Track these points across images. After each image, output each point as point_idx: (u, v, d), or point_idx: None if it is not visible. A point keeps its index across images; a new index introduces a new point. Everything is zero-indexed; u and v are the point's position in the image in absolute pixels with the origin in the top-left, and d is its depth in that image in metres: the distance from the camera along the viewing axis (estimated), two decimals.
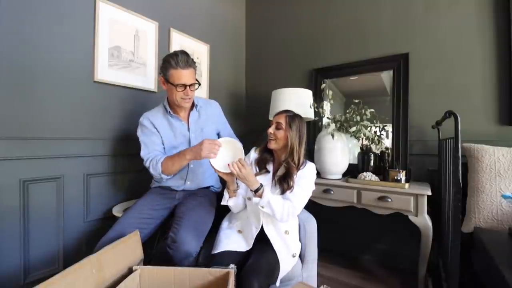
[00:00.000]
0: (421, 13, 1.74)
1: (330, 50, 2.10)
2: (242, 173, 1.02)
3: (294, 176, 1.11)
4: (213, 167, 1.10)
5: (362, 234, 1.96)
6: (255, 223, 1.12)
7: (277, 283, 1.03)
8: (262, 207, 1.03)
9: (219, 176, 1.14)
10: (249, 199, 1.15)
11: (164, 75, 1.21)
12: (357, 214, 1.73)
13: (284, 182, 1.10)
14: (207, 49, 2.17)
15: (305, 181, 1.11)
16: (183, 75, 1.18)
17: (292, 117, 1.17)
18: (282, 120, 1.16)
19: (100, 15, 1.47)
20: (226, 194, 1.17)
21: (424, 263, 1.40)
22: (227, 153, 1.13)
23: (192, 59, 1.22)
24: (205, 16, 2.16)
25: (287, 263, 1.08)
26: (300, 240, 1.22)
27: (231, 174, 1.09)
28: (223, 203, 1.17)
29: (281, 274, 1.05)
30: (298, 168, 1.13)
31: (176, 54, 1.18)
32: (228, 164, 1.04)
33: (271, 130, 1.17)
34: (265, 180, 1.16)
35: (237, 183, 1.17)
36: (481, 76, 1.56)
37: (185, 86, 1.19)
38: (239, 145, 1.15)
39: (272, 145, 1.17)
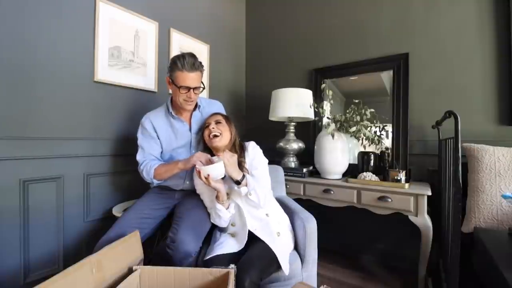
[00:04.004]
0: (421, 13, 1.74)
1: (330, 50, 2.10)
2: (233, 160, 1.07)
3: (245, 165, 1.16)
4: (202, 176, 1.04)
5: (362, 234, 1.96)
6: (241, 222, 1.14)
7: (286, 271, 1.02)
8: (250, 194, 1.07)
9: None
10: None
11: (170, 76, 1.22)
12: (357, 214, 1.73)
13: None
14: (207, 49, 2.17)
15: (256, 161, 1.18)
16: (187, 78, 1.17)
17: (226, 115, 1.26)
18: (219, 117, 1.22)
19: (100, 15, 1.47)
20: (220, 207, 1.09)
21: (424, 263, 1.40)
22: (213, 168, 1.06)
23: (200, 63, 1.22)
24: (205, 16, 2.17)
25: (277, 244, 1.05)
26: (298, 238, 1.22)
27: (219, 181, 1.08)
28: (226, 217, 1.11)
29: (280, 257, 1.02)
30: (242, 154, 1.19)
31: (183, 56, 1.17)
32: (219, 155, 1.06)
33: (212, 126, 1.17)
34: (224, 182, 1.14)
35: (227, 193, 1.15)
36: (481, 76, 1.56)
37: (188, 88, 1.19)
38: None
39: (217, 142, 1.15)
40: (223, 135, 1.17)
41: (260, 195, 1.08)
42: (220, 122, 1.19)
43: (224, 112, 1.49)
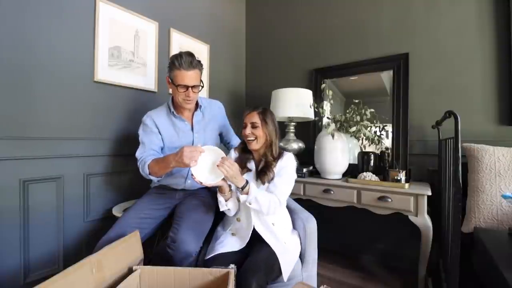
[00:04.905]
0: (421, 13, 1.74)
1: (330, 50, 2.10)
2: (233, 171, 1.02)
3: (274, 168, 1.13)
4: (198, 181, 1.04)
5: (362, 234, 1.96)
6: (247, 221, 1.13)
7: (285, 278, 1.03)
8: (250, 204, 1.05)
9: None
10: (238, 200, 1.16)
11: (169, 75, 1.22)
12: (357, 214, 1.73)
13: (263, 175, 1.12)
14: (207, 49, 2.17)
15: (284, 170, 1.14)
16: (185, 77, 1.17)
17: (263, 112, 1.18)
18: (256, 118, 1.16)
19: (100, 15, 1.47)
20: (221, 199, 1.13)
21: (424, 263, 1.40)
22: (210, 161, 1.08)
23: (198, 61, 1.22)
24: (205, 16, 2.17)
25: (282, 252, 1.06)
26: (299, 237, 1.22)
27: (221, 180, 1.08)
28: (222, 209, 1.14)
29: (284, 266, 1.04)
30: (276, 160, 1.16)
31: (180, 55, 1.17)
32: (218, 165, 1.02)
33: (248, 131, 1.16)
34: (249, 178, 1.16)
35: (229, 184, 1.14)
36: (481, 76, 1.56)
37: (187, 87, 1.18)
38: (221, 153, 1.08)
39: (254, 146, 1.16)
40: (258, 140, 1.16)
41: (262, 204, 1.04)
42: (256, 127, 1.15)
43: (223, 113, 1.49)
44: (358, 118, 1.65)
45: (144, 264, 1.01)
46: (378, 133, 1.81)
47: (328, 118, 1.81)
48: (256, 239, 1.10)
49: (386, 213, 1.47)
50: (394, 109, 1.79)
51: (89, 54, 1.44)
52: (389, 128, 1.81)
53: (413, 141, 1.74)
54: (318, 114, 1.86)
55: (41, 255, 1.29)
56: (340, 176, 1.74)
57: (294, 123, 1.97)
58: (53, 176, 1.32)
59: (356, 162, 1.79)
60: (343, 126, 1.68)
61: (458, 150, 1.00)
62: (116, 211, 1.40)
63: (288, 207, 1.33)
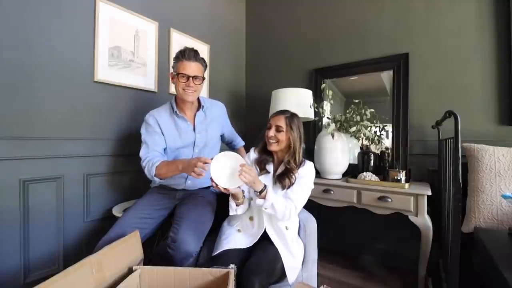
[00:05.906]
0: (421, 13, 1.74)
1: (330, 50, 2.10)
2: (252, 176, 1.00)
3: (296, 174, 1.12)
4: (220, 187, 1.02)
5: (362, 234, 1.96)
6: (258, 222, 1.13)
7: (290, 282, 1.03)
8: (266, 209, 1.04)
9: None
10: (251, 199, 1.16)
11: (173, 69, 1.26)
12: (357, 214, 1.73)
13: (284, 179, 1.11)
14: (207, 49, 2.17)
15: (304, 180, 1.13)
16: (187, 66, 1.21)
17: (291, 117, 1.17)
18: (282, 122, 1.15)
19: (100, 15, 1.47)
20: (233, 203, 1.13)
21: (424, 263, 1.40)
22: (228, 167, 1.05)
23: (202, 58, 1.27)
24: (205, 16, 2.17)
25: (288, 257, 1.07)
26: (300, 238, 1.22)
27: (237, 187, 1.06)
28: (232, 213, 1.14)
29: (290, 272, 1.04)
30: (298, 167, 1.14)
31: (185, 49, 1.23)
32: (239, 175, 0.99)
33: (271, 133, 1.15)
34: (266, 180, 1.16)
35: (242, 190, 1.13)
36: (481, 76, 1.56)
37: (188, 77, 1.20)
38: (240, 159, 1.05)
39: (274, 148, 1.16)
40: (280, 143, 1.15)
41: (278, 209, 1.03)
42: (280, 131, 1.14)
43: (225, 114, 1.50)
44: (358, 118, 1.65)
45: (144, 264, 1.01)
46: (378, 133, 1.81)
47: (328, 118, 1.81)
48: (263, 238, 1.10)
49: (386, 213, 1.47)
50: (394, 109, 1.79)
51: (89, 54, 1.44)
52: (389, 128, 1.81)
53: (413, 141, 1.74)
54: (318, 114, 1.86)
55: (41, 255, 1.29)
56: (340, 176, 1.74)
57: None
58: (53, 176, 1.32)
59: (356, 162, 1.79)
60: (343, 126, 1.68)
61: (458, 150, 1.00)
62: (116, 211, 1.40)
63: None
